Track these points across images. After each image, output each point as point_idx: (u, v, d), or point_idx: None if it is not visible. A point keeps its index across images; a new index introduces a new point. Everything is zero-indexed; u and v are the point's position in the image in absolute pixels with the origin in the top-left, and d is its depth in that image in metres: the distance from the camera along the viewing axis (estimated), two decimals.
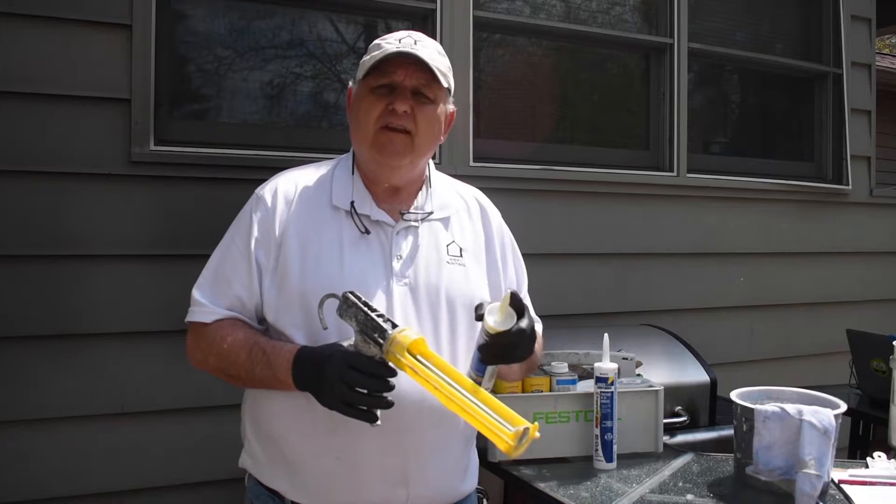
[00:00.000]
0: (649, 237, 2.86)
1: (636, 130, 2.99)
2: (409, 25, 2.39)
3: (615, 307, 2.78)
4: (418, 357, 1.15)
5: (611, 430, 1.75)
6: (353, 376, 1.16)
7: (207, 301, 1.37)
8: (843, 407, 1.61)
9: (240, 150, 2.18)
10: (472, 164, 2.49)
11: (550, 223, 2.66)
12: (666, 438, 1.93)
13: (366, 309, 1.18)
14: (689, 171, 2.92)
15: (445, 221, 1.47)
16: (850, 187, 3.30)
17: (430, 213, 1.44)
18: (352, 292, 1.21)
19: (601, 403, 1.75)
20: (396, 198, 1.44)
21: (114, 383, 2.03)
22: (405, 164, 1.40)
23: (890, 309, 3.44)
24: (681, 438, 2.05)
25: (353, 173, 1.43)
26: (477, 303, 1.41)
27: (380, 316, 1.18)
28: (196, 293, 1.39)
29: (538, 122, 2.87)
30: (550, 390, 1.87)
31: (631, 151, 2.94)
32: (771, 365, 3.07)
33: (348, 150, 1.48)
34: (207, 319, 1.36)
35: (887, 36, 12.69)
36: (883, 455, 1.75)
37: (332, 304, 1.22)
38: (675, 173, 2.89)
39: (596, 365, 1.76)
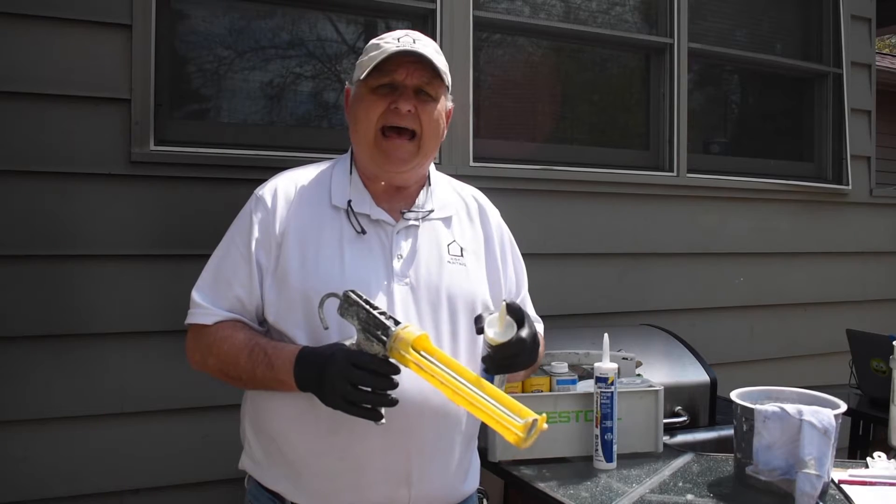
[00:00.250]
0: (649, 237, 2.86)
1: (636, 130, 2.99)
2: (409, 25, 2.38)
3: (615, 307, 2.78)
4: (422, 353, 1.14)
5: (611, 430, 1.75)
6: (356, 374, 1.16)
7: (207, 303, 1.37)
8: (843, 407, 1.61)
9: (240, 150, 2.18)
10: (472, 164, 2.49)
11: (550, 223, 2.66)
12: (666, 438, 1.93)
13: (368, 307, 1.18)
14: (689, 171, 2.92)
15: (447, 221, 1.46)
16: (849, 187, 3.30)
17: (431, 211, 1.44)
18: (353, 291, 1.20)
19: (601, 403, 1.75)
20: (397, 197, 1.44)
21: (114, 383, 2.03)
22: (410, 169, 1.40)
23: (890, 309, 3.44)
24: (681, 438, 2.05)
25: (351, 173, 1.43)
26: (478, 304, 1.41)
27: (382, 313, 1.18)
28: (196, 295, 1.38)
29: (538, 122, 2.87)
30: (550, 390, 1.87)
31: (631, 151, 2.94)
32: (771, 365, 3.07)
33: (349, 150, 1.48)
34: (207, 321, 1.36)
35: (887, 36, 12.70)
36: (883, 455, 1.75)
37: (333, 304, 1.22)
38: (675, 173, 2.89)
39: (596, 365, 1.76)
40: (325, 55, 2.44)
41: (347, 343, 1.20)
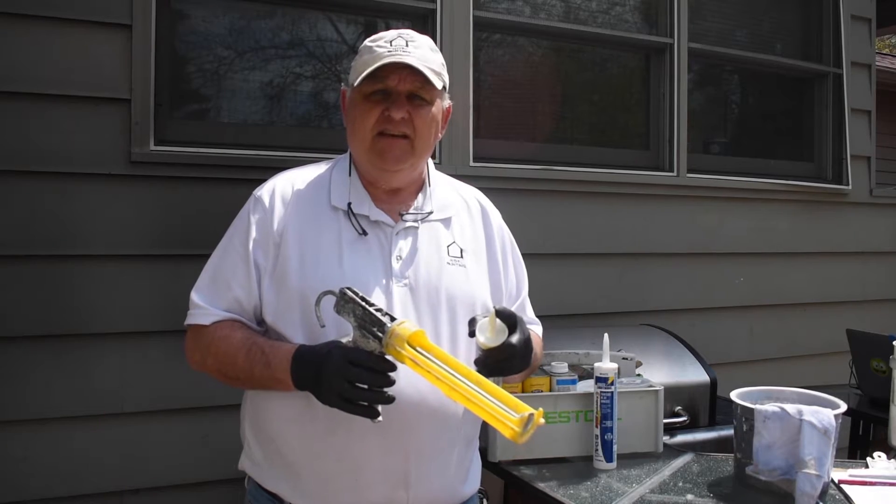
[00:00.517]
0: (649, 237, 2.86)
1: (636, 130, 2.99)
2: (409, 25, 2.37)
3: (615, 307, 2.78)
4: (418, 349, 1.14)
5: (611, 430, 1.75)
6: (352, 371, 1.16)
7: (206, 303, 1.37)
8: (843, 407, 1.61)
9: (240, 150, 2.18)
10: (472, 164, 2.49)
11: (550, 223, 2.66)
12: (666, 438, 1.93)
13: (363, 304, 1.18)
14: (689, 171, 2.92)
15: (446, 222, 1.46)
16: (849, 187, 3.30)
17: (430, 213, 1.44)
18: (349, 288, 1.20)
19: (601, 403, 1.75)
20: (396, 198, 1.43)
21: (114, 383, 2.03)
22: (405, 168, 1.40)
23: (890, 309, 3.44)
24: (681, 438, 2.05)
25: (350, 174, 1.43)
26: (477, 305, 1.41)
27: (378, 310, 1.17)
28: (194, 295, 1.39)
29: (538, 122, 2.87)
30: (550, 390, 1.87)
31: (631, 151, 2.94)
32: (771, 365, 3.07)
33: (348, 150, 1.48)
34: (206, 321, 1.36)
35: (887, 36, 12.70)
36: (883, 455, 1.75)
37: (329, 302, 1.21)
38: (674, 173, 2.89)
39: (596, 365, 1.76)
40: (325, 55, 2.44)
41: (344, 340, 1.20)
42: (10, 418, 1.95)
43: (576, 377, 1.90)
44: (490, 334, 1.25)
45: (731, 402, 1.67)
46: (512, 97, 2.83)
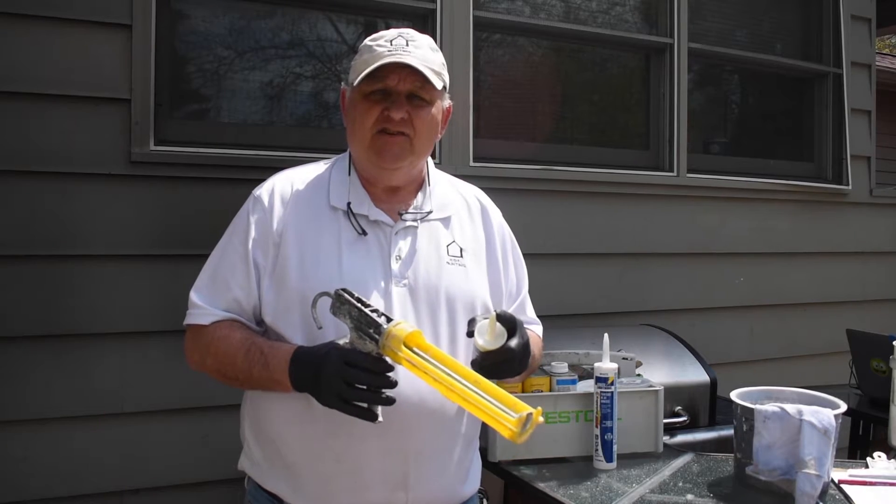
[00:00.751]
0: (649, 237, 2.86)
1: (636, 130, 2.99)
2: (409, 25, 2.35)
3: (615, 307, 2.78)
4: (415, 350, 1.13)
5: (611, 430, 1.75)
6: (350, 373, 1.16)
7: (205, 303, 1.37)
8: (843, 407, 1.61)
9: (240, 150, 2.18)
10: (472, 164, 2.49)
11: (550, 223, 2.66)
12: (666, 438, 1.93)
13: (359, 305, 1.17)
14: (689, 171, 2.92)
15: (446, 221, 1.46)
16: (849, 187, 3.30)
17: (429, 212, 1.44)
18: (344, 289, 1.20)
19: (601, 403, 1.75)
20: (395, 198, 1.43)
21: (114, 383, 2.03)
22: (404, 166, 1.40)
23: (890, 309, 3.44)
24: (681, 438, 2.05)
25: (349, 174, 1.43)
26: (477, 304, 1.41)
27: (374, 311, 1.17)
28: (194, 295, 1.38)
29: (538, 121, 2.87)
30: (550, 390, 1.87)
31: (631, 151, 2.94)
32: (771, 365, 3.07)
33: (347, 150, 1.47)
34: (205, 321, 1.36)
35: (887, 36, 12.69)
36: (883, 455, 1.75)
37: (326, 303, 1.21)
38: (674, 173, 2.89)
39: (596, 365, 1.76)
40: (325, 55, 2.44)
41: (341, 342, 1.20)
42: (10, 418, 1.95)
43: (576, 377, 1.90)
44: (489, 337, 1.25)
45: (731, 402, 1.67)
46: (512, 97, 2.83)
